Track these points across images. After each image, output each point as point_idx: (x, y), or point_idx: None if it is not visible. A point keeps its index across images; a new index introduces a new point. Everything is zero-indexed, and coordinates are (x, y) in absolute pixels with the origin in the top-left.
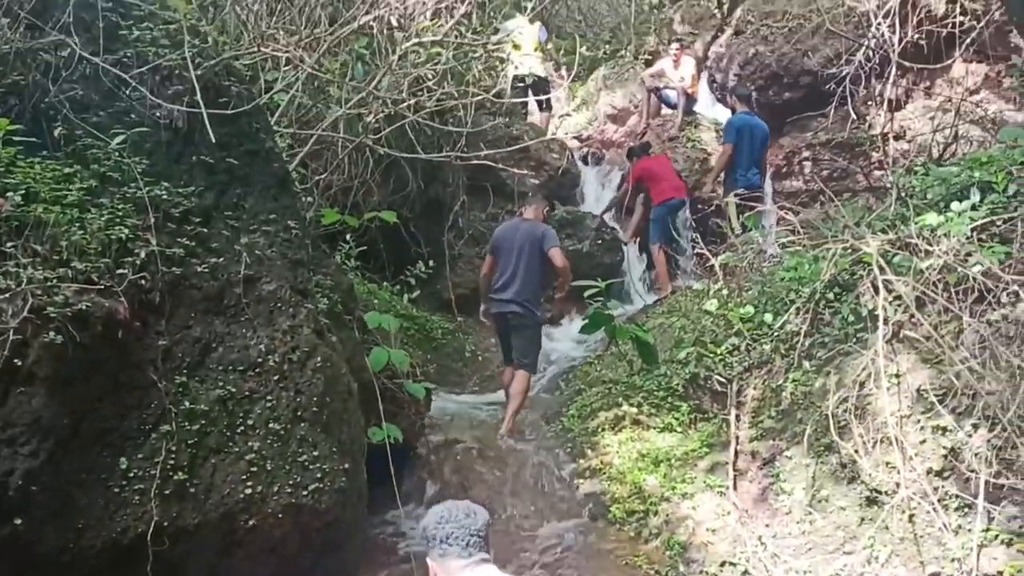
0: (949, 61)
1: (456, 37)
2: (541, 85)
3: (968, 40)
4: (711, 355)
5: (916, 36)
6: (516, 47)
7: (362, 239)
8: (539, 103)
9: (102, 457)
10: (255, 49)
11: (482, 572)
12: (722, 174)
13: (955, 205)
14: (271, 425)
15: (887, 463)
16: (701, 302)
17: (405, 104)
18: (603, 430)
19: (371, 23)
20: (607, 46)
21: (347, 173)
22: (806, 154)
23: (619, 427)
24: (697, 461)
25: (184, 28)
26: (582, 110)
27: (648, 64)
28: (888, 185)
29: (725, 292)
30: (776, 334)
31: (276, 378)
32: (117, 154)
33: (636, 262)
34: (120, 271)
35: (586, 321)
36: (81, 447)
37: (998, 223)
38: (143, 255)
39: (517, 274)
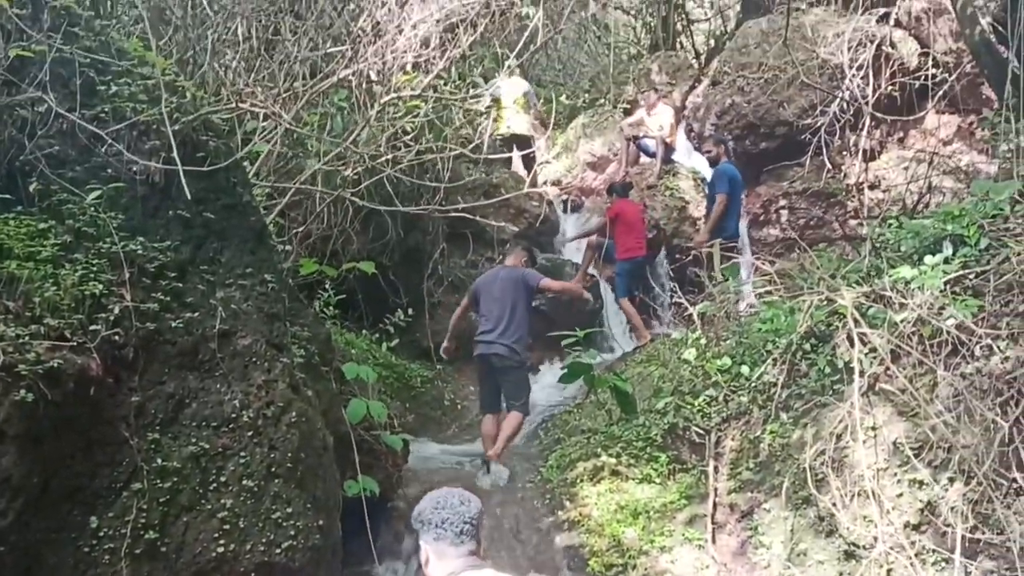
0: (922, 113)
1: (434, 91)
2: (524, 142)
3: (940, 92)
4: (689, 405)
5: (889, 88)
6: (497, 103)
7: (341, 287)
8: (523, 158)
9: (72, 516)
10: (233, 105)
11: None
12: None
13: (928, 258)
14: (244, 482)
15: (865, 516)
16: (679, 351)
17: (383, 159)
18: (582, 481)
19: (350, 77)
20: (586, 95)
21: (326, 222)
22: (783, 203)
23: (598, 478)
24: (676, 513)
25: (161, 84)
26: (562, 157)
27: (627, 113)
28: (863, 235)
29: (703, 341)
30: (753, 385)
31: (250, 434)
32: (92, 209)
33: (615, 310)
34: (93, 327)
35: (565, 370)
36: (51, 505)
37: (970, 276)
38: (117, 310)
39: (503, 318)
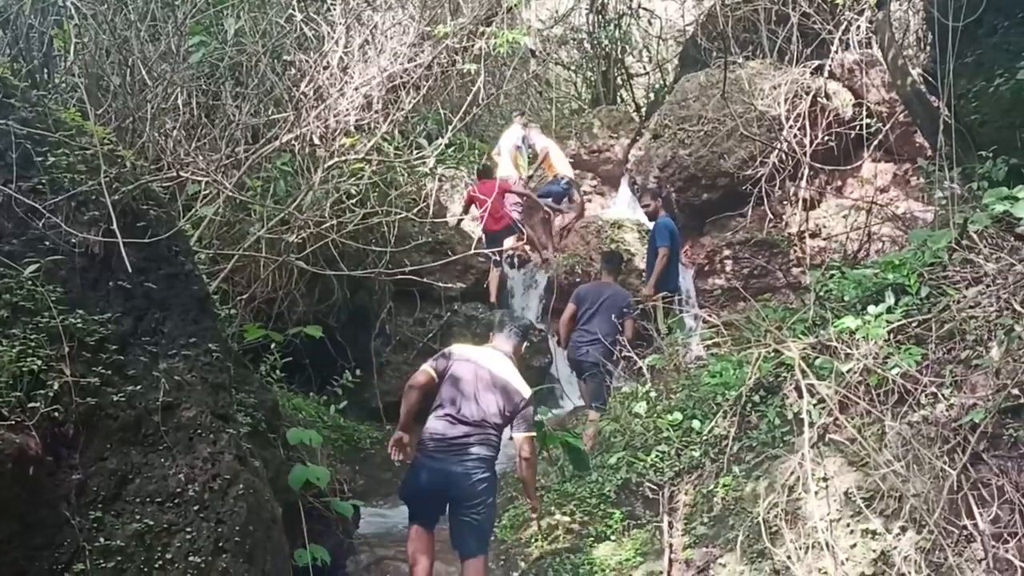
0: (858, 162)
1: (378, 153)
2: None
3: (875, 142)
4: (641, 460)
5: (825, 138)
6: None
7: (287, 350)
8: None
9: None
10: (174, 174)
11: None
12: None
13: (871, 308)
14: (191, 558)
15: (820, 569)
16: (630, 405)
17: (329, 224)
18: (536, 540)
19: (293, 141)
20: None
21: (271, 285)
22: (727, 253)
23: (552, 537)
24: (632, 571)
25: (100, 154)
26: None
27: (571, 166)
28: (807, 283)
29: (653, 395)
30: (705, 438)
31: (196, 508)
32: (30, 283)
33: (564, 365)
34: (32, 404)
35: None
36: None
37: (913, 325)
38: (56, 386)
39: (599, 325)
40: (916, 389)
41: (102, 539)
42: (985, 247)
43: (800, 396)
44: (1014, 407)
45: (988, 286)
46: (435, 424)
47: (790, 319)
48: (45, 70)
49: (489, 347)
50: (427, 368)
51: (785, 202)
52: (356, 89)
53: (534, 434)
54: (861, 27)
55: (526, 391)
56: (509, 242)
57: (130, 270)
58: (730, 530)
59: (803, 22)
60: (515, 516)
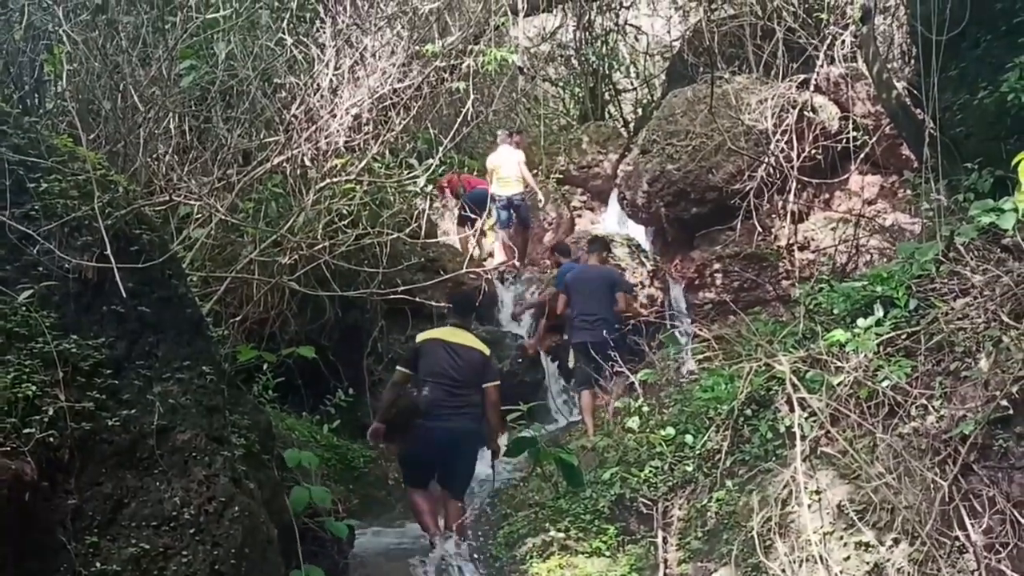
0: (845, 175)
1: (369, 174)
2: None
3: (862, 154)
4: (635, 476)
5: (812, 151)
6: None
7: (279, 370)
8: (520, 220)
9: None
10: (166, 198)
11: None
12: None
13: (861, 321)
14: None
15: None
16: (623, 420)
17: (321, 246)
18: (531, 557)
19: (284, 163)
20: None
21: (263, 306)
22: (717, 266)
23: (547, 554)
24: None
25: (93, 179)
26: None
27: (560, 183)
28: (796, 296)
29: (646, 409)
30: (698, 453)
31: (192, 531)
32: (24, 309)
33: (555, 380)
34: (27, 430)
35: (509, 445)
36: None
37: (902, 337)
38: (51, 411)
39: (599, 307)
40: (906, 401)
41: (98, 564)
42: (972, 259)
43: (792, 409)
44: (1003, 418)
45: (975, 298)
46: (426, 394)
47: (780, 333)
48: (36, 96)
49: (447, 325)
50: (400, 368)
51: (774, 215)
52: (346, 111)
53: (498, 383)
54: (846, 41)
55: (485, 349)
56: (499, 258)
57: (124, 295)
58: (724, 544)
59: (788, 37)
60: (510, 533)
